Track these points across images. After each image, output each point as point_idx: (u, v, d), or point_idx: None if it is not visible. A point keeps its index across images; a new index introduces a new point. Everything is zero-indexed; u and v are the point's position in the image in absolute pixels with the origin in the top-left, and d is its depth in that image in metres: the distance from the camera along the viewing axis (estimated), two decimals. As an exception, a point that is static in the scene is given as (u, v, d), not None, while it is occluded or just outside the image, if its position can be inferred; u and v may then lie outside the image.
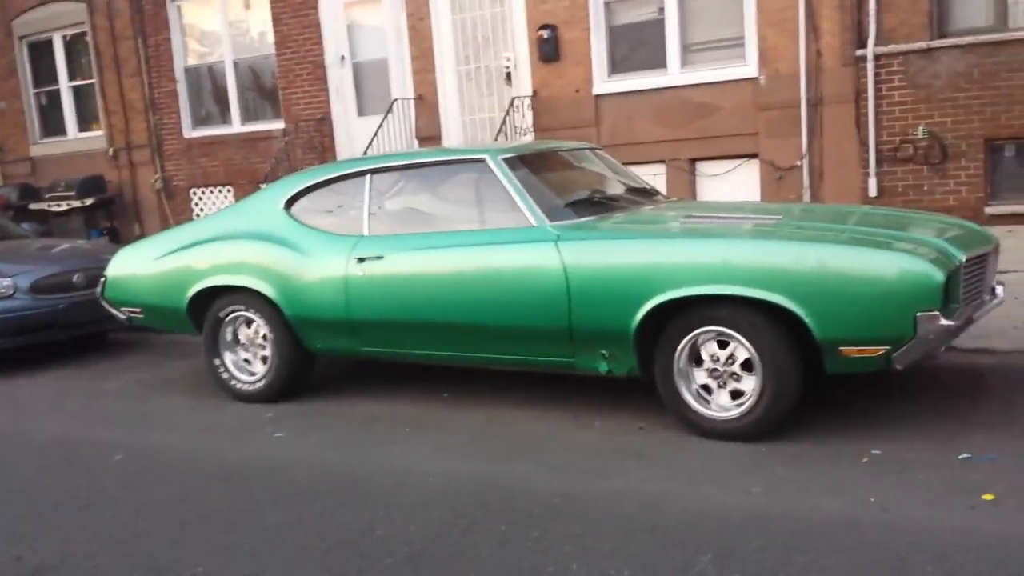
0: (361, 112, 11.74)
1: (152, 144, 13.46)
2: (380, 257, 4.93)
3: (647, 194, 5.47)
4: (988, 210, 8.50)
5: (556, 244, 4.44)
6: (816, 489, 3.60)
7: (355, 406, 5.31)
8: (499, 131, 10.01)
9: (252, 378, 5.56)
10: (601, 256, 4.36)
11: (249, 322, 5.52)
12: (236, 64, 12.79)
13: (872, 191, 8.92)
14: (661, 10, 9.88)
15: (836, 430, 4.23)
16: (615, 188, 5.38)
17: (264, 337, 5.46)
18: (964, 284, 4.02)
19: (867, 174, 8.94)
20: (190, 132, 13.28)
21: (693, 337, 4.23)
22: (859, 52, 8.80)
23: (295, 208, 5.40)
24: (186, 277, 5.60)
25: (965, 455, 3.80)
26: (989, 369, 5.02)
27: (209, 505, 3.96)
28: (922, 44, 8.55)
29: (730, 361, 4.18)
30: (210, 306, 5.59)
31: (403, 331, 4.97)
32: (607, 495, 3.69)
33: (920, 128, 8.68)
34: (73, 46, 14.24)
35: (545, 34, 10.27)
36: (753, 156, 9.59)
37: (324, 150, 11.92)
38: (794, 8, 9.06)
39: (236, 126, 12.89)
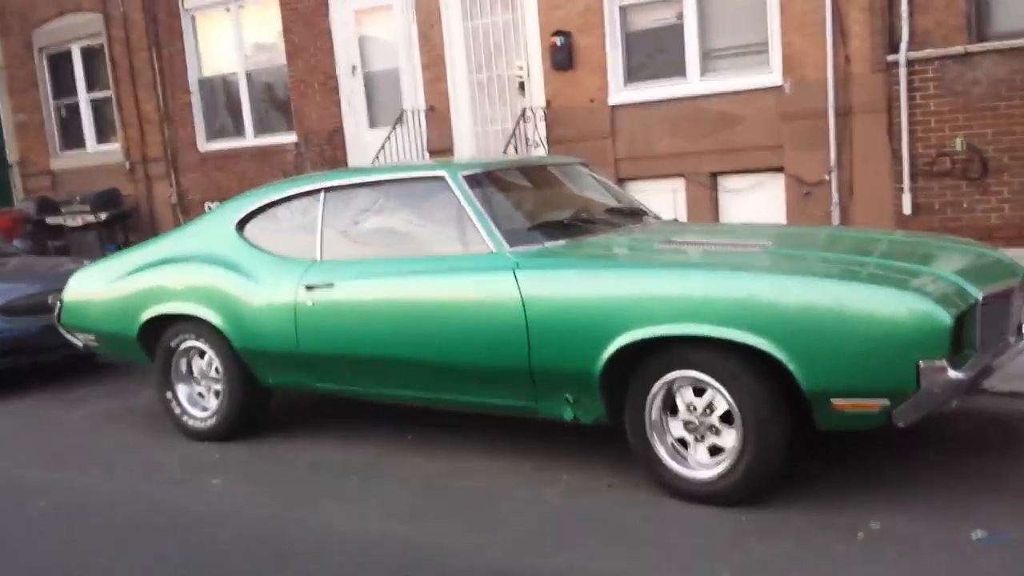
0: (373, 124, 11.33)
1: (167, 157, 13.22)
2: (330, 285, 4.46)
3: (635, 215, 4.92)
4: (1034, 229, 7.78)
5: (514, 273, 3.93)
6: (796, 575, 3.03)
7: (308, 449, 4.83)
8: (508, 143, 9.51)
9: (205, 414, 5.13)
10: (563, 287, 3.83)
11: (202, 353, 5.09)
12: (249, 76, 12.49)
13: (906, 208, 8.23)
14: (680, 15, 9.29)
15: (829, 496, 3.62)
16: (596, 208, 4.85)
17: (216, 370, 5.02)
18: (982, 326, 3.42)
19: (900, 190, 8.25)
20: (205, 145, 13.00)
21: (667, 383, 3.68)
22: (891, 57, 8.13)
23: (247, 229, 4.96)
24: (136, 302, 5.19)
25: (980, 534, 3.19)
26: (1019, 418, 4.38)
27: (109, 563, 3.51)
28: (959, 48, 7.85)
29: (708, 411, 3.62)
30: (162, 334, 5.17)
31: (355, 367, 4.49)
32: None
33: (958, 140, 7.97)
34: (91, 57, 14.09)
35: (558, 41, 9.75)
36: (778, 170, 8.96)
37: (336, 163, 11.53)
38: (820, 11, 8.41)
39: (250, 139, 12.58)
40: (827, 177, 8.62)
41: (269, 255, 4.78)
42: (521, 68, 10.21)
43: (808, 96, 8.58)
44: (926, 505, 3.46)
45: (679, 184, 9.49)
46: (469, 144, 10.71)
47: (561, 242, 4.11)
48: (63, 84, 14.52)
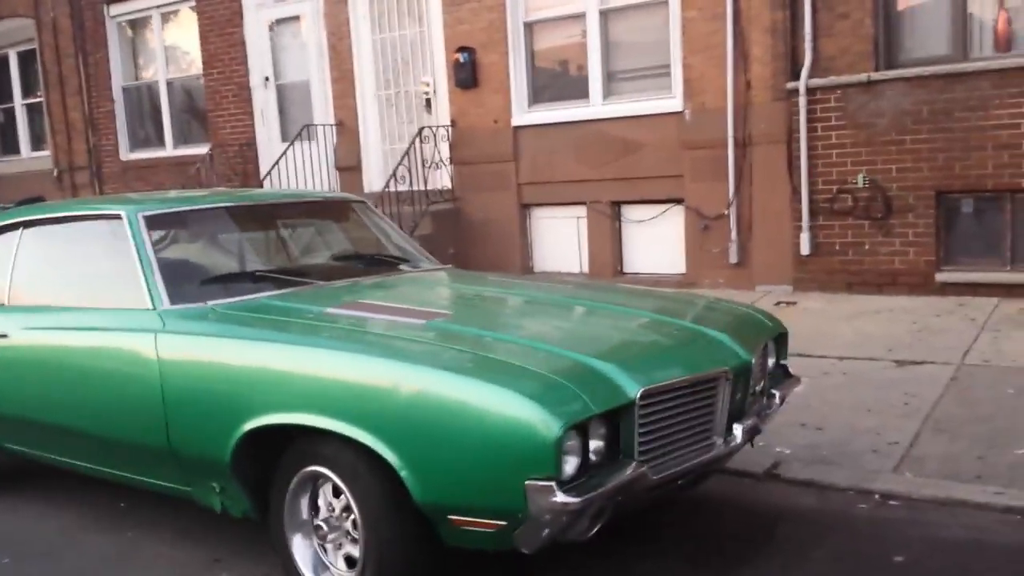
0: (285, 137, 10.81)
1: (91, 166, 12.83)
2: (3, 336, 3.92)
3: (388, 264, 4.30)
4: (940, 277, 7.06)
5: (155, 335, 3.35)
6: None
7: (22, 510, 4.24)
8: (399, 163, 8.95)
9: None
10: (198, 357, 3.26)
11: None
12: (170, 84, 12.07)
13: (805, 248, 7.55)
14: (584, 32, 8.69)
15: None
16: (331, 254, 4.27)
17: None
18: (649, 431, 2.78)
19: (799, 228, 7.57)
20: (127, 154, 12.61)
21: (306, 478, 3.08)
22: (791, 84, 7.46)
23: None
24: None
25: None
26: (792, 513, 3.73)
27: None
28: (863, 76, 7.17)
29: (346, 515, 3.01)
30: None
31: (21, 428, 3.95)
32: None
33: (860, 176, 7.29)
34: (27, 63, 13.77)
35: (461, 58, 9.19)
36: (679, 201, 8.31)
37: (247, 177, 11.05)
38: (722, 31, 7.78)
39: (169, 149, 12.16)
40: (726, 212, 7.97)
41: (-39, 296, 4.25)
42: (427, 85, 9.66)
43: (708, 124, 7.94)
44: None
45: (582, 212, 8.88)
46: (377, 162, 10.18)
47: (230, 300, 3.52)
48: (2, 89, 14.22)
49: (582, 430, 2.57)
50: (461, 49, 9.19)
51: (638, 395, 2.70)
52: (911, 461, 4.15)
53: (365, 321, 3.22)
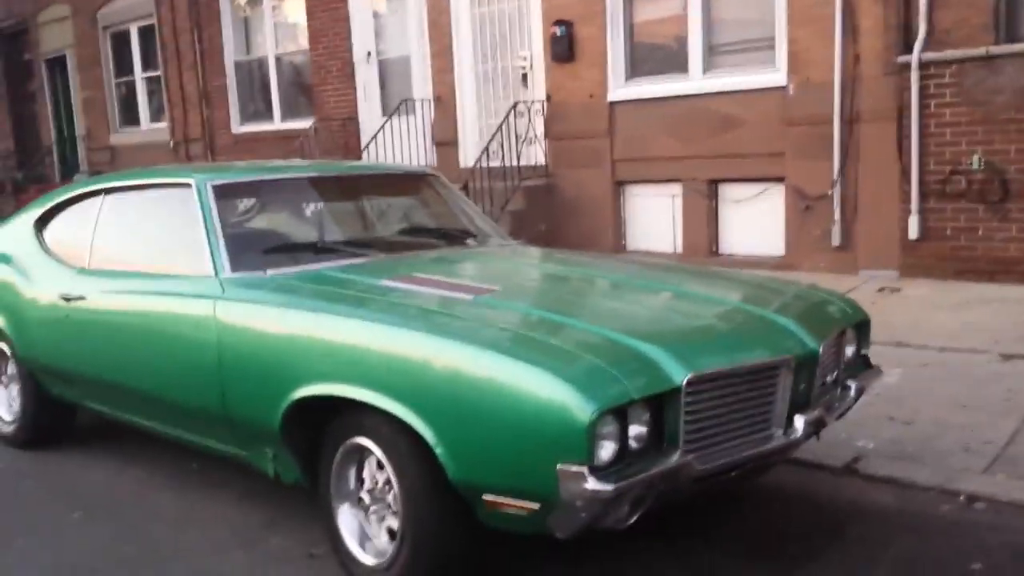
0: (385, 112, 10.91)
1: (205, 138, 13.27)
2: (82, 298, 4.05)
3: (454, 238, 4.24)
4: (1060, 267, 6.56)
5: (214, 301, 3.39)
6: None
7: (98, 467, 4.40)
8: (491, 138, 8.89)
9: (11, 418, 4.83)
10: (253, 323, 3.28)
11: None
12: (279, 59, 12.33)
13: (913, 232, 7.12)
14: (685, 4, 8.40)
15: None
16: (399, 228, 4.23)
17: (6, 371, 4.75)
18: (696, 419, 2.63)
19: (908, 210, 7.15)
20: (238, 127, 12.98)
21: (353, 449, 3.07)
22: (903, 58, 7.02)
23: (46, 229, 4.61)
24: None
25: None
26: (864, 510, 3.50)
27: None
28: (981, 50, 6.68)
29: (388, 488, 2.98)
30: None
31: (99, 389, 4.08)
32: None
33: (975, 156, 6.81)
34: (146, 37, 14.31)
35: (558, 31, 9.03)
36: (780, 180, 7.98)
37: (348, 150, 11.21)
38: (830, 3, 7.38)
39: (276, 123, 12.45)
40: (830, 192, 7.59)
41: (52, 259, 4.41)
42: (524, 59, 9.56)
43: (813, 99, 7.57)
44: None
45: (677, 190, 8.64)
46: (473, 137, 10.15)
47: (289, 270, 3.52)
48: (123, 63, 14.84)
49: (621, 415, 2.44)
50: (558, 22, 9.03)
51: (685, 381, 2.55)
52: (1004, 462, 3.85)
53: (413, 295, 3.16)
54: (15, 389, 4.76)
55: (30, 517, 3.91)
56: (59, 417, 4.70)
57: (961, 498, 3.60)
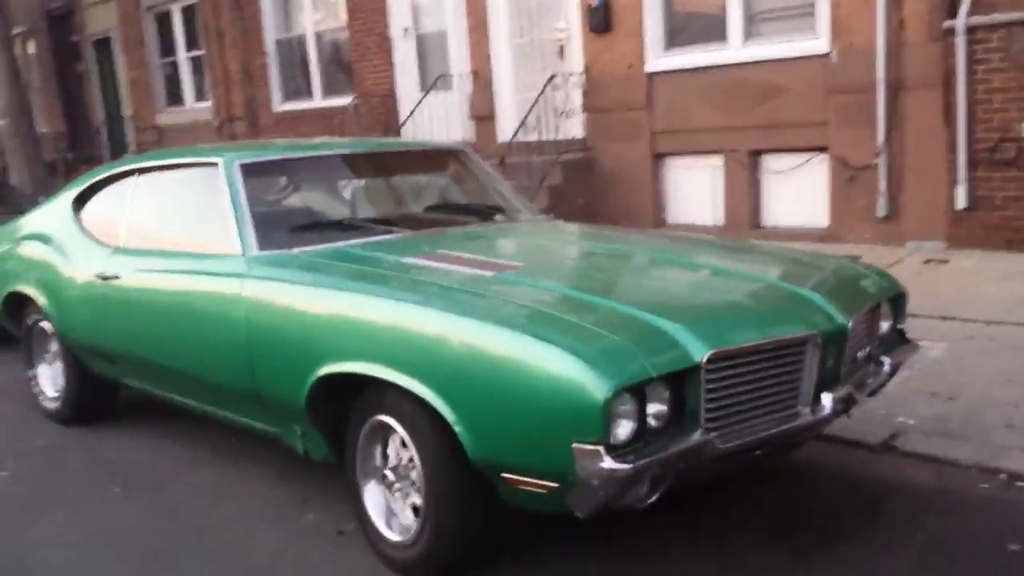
0: (423, 87, 10.88)
1: (248, 117, 13.37)
2: (116, 277, 4.11)
3: (484, 214, 4.22)
4: (1114, 236, 6.33)
5: (241, 280, 3.42)
6: None
7: (139, 443, 4.50)
8: (528, 112, 8.83)
9: (56, 395, 4.95)
10: (279, 301, 3.30)
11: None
12: (319, 36, 12.35)
13: (960, 202, 6.93)
14: (724, -29, 8.22)
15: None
16: (426, 204, 4.21)
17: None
18: (717, 396, 2.59)
19: (955, 180, 6.95)
20: (279, 106, 13.06)
21: (373, 427, 3.08)
22: (948, 23, 6.80)
23: (83, 208, 4.68)
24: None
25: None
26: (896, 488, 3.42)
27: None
28: (1032, 12, 6.44)
29: (411, 465, 2.99)
30: (24, 312, 5.03)
31: (136, 367, 4.15)
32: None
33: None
34: (189, 17, 14.43)
35: (595, 1, 8.91)
36: (823, 150, 7.81)
37: (387, 126, 11.22)
38: (874, -34, 7.16)
39: (317, 100, 12.50)
40: (874, 161, 7.41)
41: (88, 238, 4.48)
42: (561, 30, 9.45)
43: (856, 66, 7.38)
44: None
45: (719, 162, 8.50)
46: (511, 111, 10.08)
47: (315, 248, 3.53)
48: (167, 43, 15.00)
49: (639, 393, 2.41)
50: (596, -8, 8.90)
51: (705, 358, 2.51)
52: (1049, 440, 3.74)
53: (435, 272, 3.15)
54: (59, 366, 4.86)
55: (71, 491, 4.01)
56: (101, 394, 4.79)
57: (1002, 476, 3.52)
